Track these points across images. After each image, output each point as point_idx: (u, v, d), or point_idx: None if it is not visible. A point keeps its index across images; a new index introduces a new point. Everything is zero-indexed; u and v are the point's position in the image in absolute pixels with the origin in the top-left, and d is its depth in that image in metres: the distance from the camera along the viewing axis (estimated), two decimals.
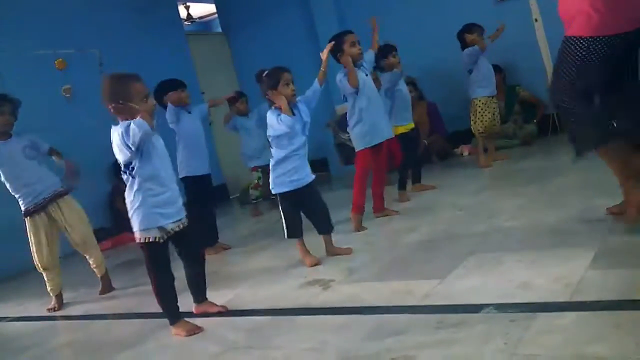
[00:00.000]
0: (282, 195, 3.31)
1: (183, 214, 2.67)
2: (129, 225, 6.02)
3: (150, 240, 2.56)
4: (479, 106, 5.42)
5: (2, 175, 3.71)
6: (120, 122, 2.51)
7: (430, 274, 2.60)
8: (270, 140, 3.32)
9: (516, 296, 2.11)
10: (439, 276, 2.51)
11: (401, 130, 4.68)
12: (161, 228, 2.56)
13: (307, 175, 3.33)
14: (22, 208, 3.73)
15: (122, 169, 2.59)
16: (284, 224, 3.34)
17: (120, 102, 2.47)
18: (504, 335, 1.79)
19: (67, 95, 6.19)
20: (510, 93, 6.37)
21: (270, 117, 3.26)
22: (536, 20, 6.08)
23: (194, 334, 2.57)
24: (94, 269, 3.94)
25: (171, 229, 2.59)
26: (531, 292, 2.12)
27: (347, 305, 2.49)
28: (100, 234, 6.07)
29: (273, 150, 3.32)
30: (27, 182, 3.70)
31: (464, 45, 5.43)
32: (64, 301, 3.86)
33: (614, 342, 1.61)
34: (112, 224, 6.31)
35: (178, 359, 2.37)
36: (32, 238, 3.74)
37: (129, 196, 2.59)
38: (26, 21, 6.00)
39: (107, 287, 3.93)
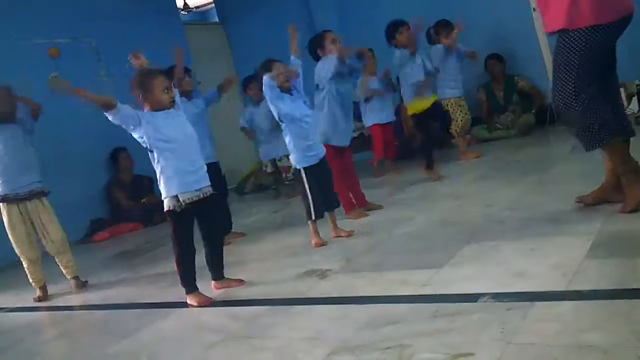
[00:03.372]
0: (307, 170, 3.42)
1: (201, 184, 2.85)
2: (126, 216, 6.05)
3: (170, 208, 2.78)
4: (450, 108, 5.45)
5: None
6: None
7: (427, 263, 2.60)
8: (281, 119, 3.42)
9: (513, 285, 2.11)
10: (435, 265, 2.51)
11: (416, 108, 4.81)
12: (174, 197, 2.77)
13: (322, 150, 3.52)
14: None
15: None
16: (311, 203, 3.40)
17: (142, 94, 2.79)
18: (501, 324, 1.79)
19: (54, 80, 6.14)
20: (508, 83, 6.35)
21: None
22: (534, 9, 6.05)
23: (205, 305, 2.78)
24: (65, 269, 3.87)
25: (188, 198, 2.78)
26: (528, 281, 2.12)
27: (344, 295, 2.49)
28: (98, 225, 6.08)
29: (288, 130, 3.42)
30: (14, 170, 3.67)
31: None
32: (61, 291, 3.87)
33: (610, 331, 1.61)
34: (109, 214, 6.30)
35: (176, 349, 2.37)
36: (8, 226, 3.72)
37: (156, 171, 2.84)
38: (21, 10, 5.95)
39: (80, 285, 3.87)
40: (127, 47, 6.64)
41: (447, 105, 5.46)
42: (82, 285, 3.87)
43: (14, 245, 3.77)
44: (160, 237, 4.87)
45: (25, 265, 3.81)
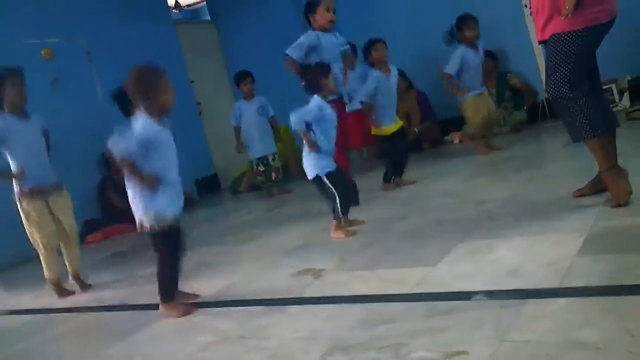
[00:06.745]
0: (329, 174, 3.39)
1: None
2: (119, 217, 5.97)
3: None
4: (468, 107, 5.26)
5: (8, 152, 3.57)
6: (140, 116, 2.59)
7: (421, 261, 2.61)
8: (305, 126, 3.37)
9: (506, 283, 2.12)
10: (429, 264, 2.52)
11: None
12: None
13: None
14: (21, 189, 3.60)
15: None
16: (338, 202, 3.37)
17: (150, 95, 2.55)
18: (494, 322, 1.80)
19: (54, 84, 6.13)
20: (501, 80, 6.37)
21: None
22: (526, 6, 6.08)
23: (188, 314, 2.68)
24: (69, 264, 3.81)
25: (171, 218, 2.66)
26: (521, 278, 2.13)
27: (338, 294, 2.50)
28: (92, 226, 6.04)
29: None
30: (36, 166, 3.62)
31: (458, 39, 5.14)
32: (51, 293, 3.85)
33: (603, 327, 1.62)
34: (102, 215, 6.26)
35: (171, 350, 2.36)
36: (32, 219, 3.64)
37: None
38: (12, 9, 5.91)
39: (85, 287, 3.82)
40: (118, 45, 6.68)
41: (465, 105, 5.26)
42: (86, 287, 3.81)
43: (36, 236, 3.66)
44: None
45: (43, 257, 3.70)
